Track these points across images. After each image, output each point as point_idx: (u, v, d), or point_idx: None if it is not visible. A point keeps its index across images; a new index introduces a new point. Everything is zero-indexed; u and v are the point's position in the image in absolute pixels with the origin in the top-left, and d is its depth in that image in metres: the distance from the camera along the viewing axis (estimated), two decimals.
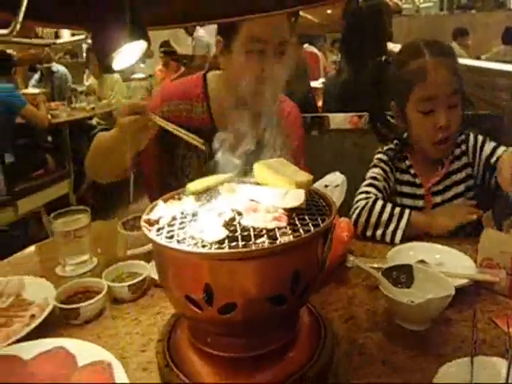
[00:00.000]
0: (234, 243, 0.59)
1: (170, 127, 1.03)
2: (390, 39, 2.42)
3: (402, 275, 0.92)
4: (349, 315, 0.90)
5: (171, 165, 1.29)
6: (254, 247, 0.58)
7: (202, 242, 0.59)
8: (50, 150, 3.94)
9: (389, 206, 1.24)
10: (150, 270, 1.00)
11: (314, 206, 0.72)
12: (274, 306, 0.62)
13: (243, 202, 0.68)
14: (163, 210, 0.71)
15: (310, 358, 0.71)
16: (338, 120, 1.77)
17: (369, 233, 1.23)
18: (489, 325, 0.86)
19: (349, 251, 1.08)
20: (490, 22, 6.33)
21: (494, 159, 1.28)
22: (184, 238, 0.61)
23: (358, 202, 1.28)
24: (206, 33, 5.74)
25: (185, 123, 1.16)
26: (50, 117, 3.85)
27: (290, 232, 0.62)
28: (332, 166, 1.09)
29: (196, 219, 0.66)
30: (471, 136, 1.37)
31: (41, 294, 0.95)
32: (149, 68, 5.87)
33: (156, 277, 0.99)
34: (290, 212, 0.66)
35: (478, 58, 5.19)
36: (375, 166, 1.41)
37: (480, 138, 1.36)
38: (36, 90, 4.04)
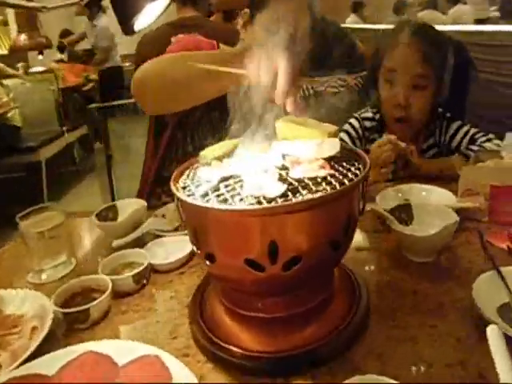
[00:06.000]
0: (297, 194, 0.55)
1: None
2: None
3: (403, 214, 0.95)
4: None
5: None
6: (319, 194, 0.55)
7: (264, 197, 0.55)
8: None
9: None
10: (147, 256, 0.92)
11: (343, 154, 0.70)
12: (332, 250, 0.60)
13: (278, 158, 0.65)
14: (195, 177, 0.65)
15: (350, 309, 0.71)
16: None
17: None
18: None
19: None
20: None
21: (454, 144, 1.35)
22: (241, 199, 0.56)
23: None
24: (110, 22, 4.83)
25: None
26: None
27: (341, 177, 0.60)
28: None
29: (243, 179, 0.61)
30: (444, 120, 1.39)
31: (28, 304, 0.82)
32: (46, 59, 5.27)
33: (153, 261, 0.92)
34: (327, 161, 0.64)
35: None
36: (344, 130, 1.43)
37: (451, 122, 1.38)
38: None
